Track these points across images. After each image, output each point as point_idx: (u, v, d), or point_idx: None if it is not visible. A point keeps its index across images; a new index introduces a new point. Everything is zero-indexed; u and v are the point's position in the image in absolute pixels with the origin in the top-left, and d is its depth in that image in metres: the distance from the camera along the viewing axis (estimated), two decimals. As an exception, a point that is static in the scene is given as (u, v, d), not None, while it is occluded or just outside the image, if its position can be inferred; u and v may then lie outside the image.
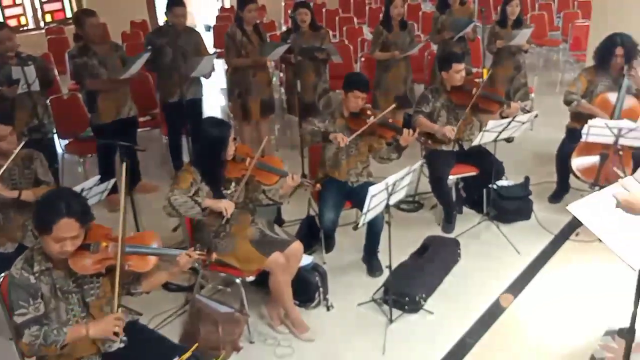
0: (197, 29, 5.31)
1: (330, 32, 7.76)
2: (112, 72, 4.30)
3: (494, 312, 3.32)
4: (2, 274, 2.39)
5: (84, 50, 4.24)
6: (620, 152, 3.82)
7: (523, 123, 3.89)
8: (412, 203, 4.60)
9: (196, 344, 2.20)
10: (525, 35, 5.43)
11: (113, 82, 4.30)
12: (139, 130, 4.86)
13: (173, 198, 2.81)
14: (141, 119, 5.03)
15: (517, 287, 3.54)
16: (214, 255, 2.47)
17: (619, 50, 4.07)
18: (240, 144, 3.22)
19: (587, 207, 2.22)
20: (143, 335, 2.44)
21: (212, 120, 3.08)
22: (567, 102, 4.24)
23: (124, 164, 2.47)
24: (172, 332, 3.15)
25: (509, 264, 3.76)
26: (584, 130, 3.79)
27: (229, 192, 3.00)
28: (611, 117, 3.96)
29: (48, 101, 4.64)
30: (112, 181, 3.26)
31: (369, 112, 3.60)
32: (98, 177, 3.15)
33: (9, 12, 8.92)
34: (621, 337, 2.39)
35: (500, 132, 3.86)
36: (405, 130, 3.46)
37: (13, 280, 2.13)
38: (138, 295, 2.47)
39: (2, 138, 2.90)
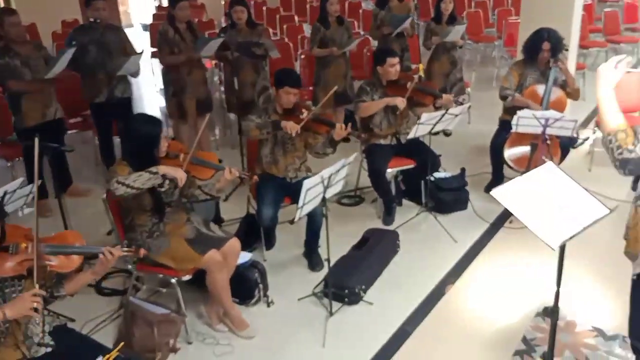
0: (133, 28, 5.18)
1: (271, 30, 7.78)
2: (36, 73, 4.13)
3: (432, 300, 3.39)
4: None
5: (5, 51, 4.06)
6: (548, 142, 4.00)
7: (456, 115, 4.00)
8: (353, 197, 4.65)
9: (122, 343, 2.14)
10: (458, 31, 5.58)
11: (37, 82, 4.13)
12: (70, 132, 4.69)
13: (123, 178, 2.69)
14: (71, 121, 4.86)
15: (454, 275, 3.63)
16: (142, 251, 2.41)
17: (546, 45, 4.24)
18: (174, 140, 3.16)
19: (509, 191, 2.30)
20: (71, 339, 2.35)
21: (143, 117, 3.02)
22: (503, 98, 4.40)
23: (36, 166, 2.37)
24: (107, 337, 3.05)
25: (446, 253, 3.85)
26: (514, 121, 3.93)
27: (163, 189, 2.93)
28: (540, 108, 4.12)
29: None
30: (37, 183, 3.11)
31: (303, 109, 3.60)
32: (21, 179, 3.00)
33: None
34: (547, 316, 2.48)
35: (435, 125, 3.95)
36: (338, 125, 3.49)
37: None
38: (62, 298, 2.38)
39: None
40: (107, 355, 2.09)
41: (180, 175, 2.80)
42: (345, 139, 3.60)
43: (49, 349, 2.25)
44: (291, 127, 3.45)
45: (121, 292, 3.46)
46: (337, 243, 3.76)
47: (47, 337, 2.28)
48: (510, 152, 4.21)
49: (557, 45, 4.26)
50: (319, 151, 3.71)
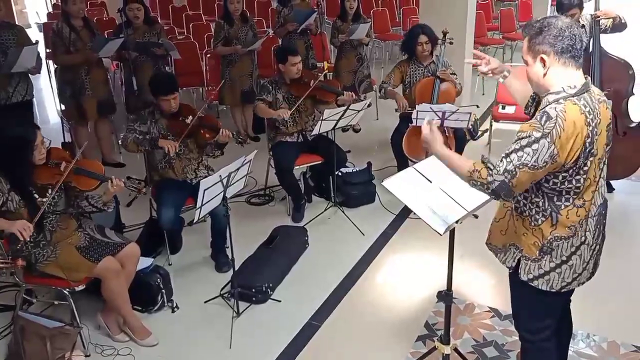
0: (31, 29, 4.85)
1: (177, 29, 7.58)
2: None
3: (339, 293, 3.43)
4: None
5: None
6: (447, 134, 4.16)
7: (358, 111, 4.07)
8: (263, 196, 4.63)
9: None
10: (363, 29, 5.68)
11: None
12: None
13: None
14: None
15: (361, 266, 3.68)
16: (20, 262, 2.27)
17: (422, 38, 4.44)
18: (57, 147, 3.00)
19: (399, 181, 2.37)
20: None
21: (17, 121, 2.85)
22: (379, 90, 4.60)
23: None
24: (-4, 356, 2.86)
25: (354, 246, 3.91)
26: (413, 115, 4.06)
27: (45, 199, 2.77)
28: (431, 101, 4.29)
29: None
30: None
31: (186, 112, 3.56)
32: None
33: None
34: (441, 300, 2.58)
35: (338, 120, 4.00)
36: (222, 130, 3.52)
37: None
38: None
39: None
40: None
41: (18, 227, 2.57)
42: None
43: None
44: (170, 147, 3.39)
45: (12, 308, 3.23)
46: (246, 243, 3.74)
47: None
48: (410, 145, 4.35)
49: (433, 36, 4.48)
50: (209, 153, 3.72)
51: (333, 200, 4.40)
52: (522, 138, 1.85)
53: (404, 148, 4.31)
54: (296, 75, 4.18)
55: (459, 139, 4.33)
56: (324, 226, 4.19)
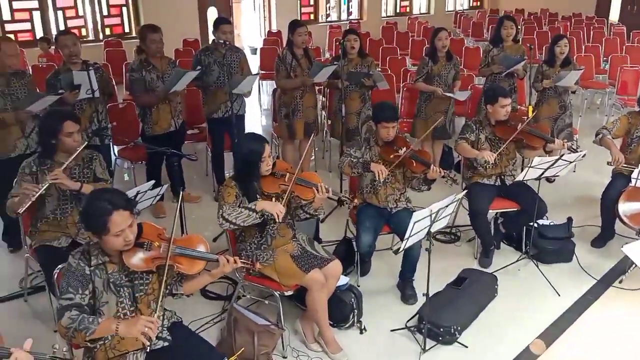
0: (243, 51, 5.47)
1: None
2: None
3: (528, 355, 3.24)
4: (57, 269, 2.50)
5: (145, 64, 4.46)
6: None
7: (570, 162, 3.86)
8: (449, 234, 4.58)
9: (242, 349, 2.23)
10: (574, 76, 5.40)
11: (162, 98, 4.47)
12: (185, 142, 5.03)
13: (227, 213, 2.89)
14: (188, 132, 5.20)
15: (554, 331, 3.45)
16: (258, 265, 2.53)
17: None
18: (280, 160, 3.31)
19: (640, 248, 2.20)
20: (187, 336, 2.49)
21: (249, 135, 3.21)
22: (596, 134, 4.31)
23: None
24: (208, 338, 3.15)
25: (547, 305, 3.68)
26: (634, 175, 3.74)
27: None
28: None
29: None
30: (165, 187, 3.37)
31: (402, 144, 3.66)
32: (152, 182, 3.26)
33: (71, 23, 9.56)
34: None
35: (546, 170, 3.83)
36: (432, 167, 3.54)
37: (69, 268, 2.23)
38: (178, 297, 2.54)
39: (70, 135, 3.05)
40: (232, 358, 2.19)
41: (277, 210, 2.89)
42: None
43: (166, 344, 2.40)
44: (380, 172, 3.51)
45: (224, 298, 3.61)
46: (430, 278, 3.72)
47: (165, 332, 2.44)
48: (625, 207, 3.98)
49: None
50: (415, 187, 3.78)
51: (526, 252, 4.20)
52: None
53: (620, 209, 3.96)
54: (504, 118, 4.10)
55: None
56: (514, 277, 4.00)
